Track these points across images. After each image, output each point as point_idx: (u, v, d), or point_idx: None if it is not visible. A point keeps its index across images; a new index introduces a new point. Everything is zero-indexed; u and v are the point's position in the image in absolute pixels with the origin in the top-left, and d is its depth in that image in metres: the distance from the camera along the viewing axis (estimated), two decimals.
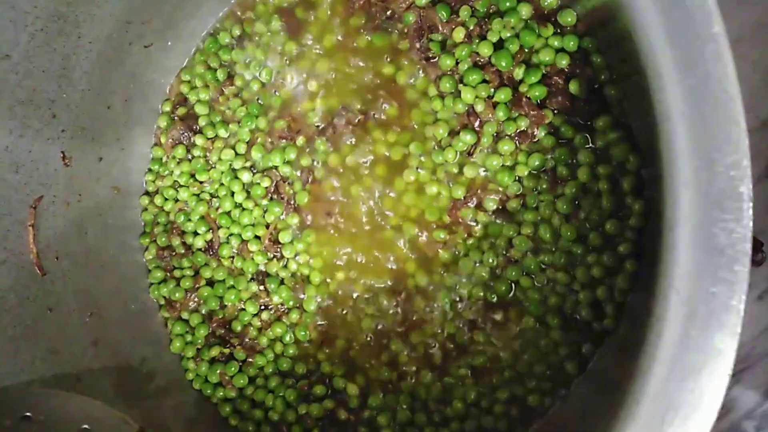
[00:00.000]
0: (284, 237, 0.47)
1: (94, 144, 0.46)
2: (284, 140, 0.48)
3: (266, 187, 0.48)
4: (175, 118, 0.50)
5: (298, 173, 0.48)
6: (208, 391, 0.48)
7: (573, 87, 0.38)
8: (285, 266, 0.48)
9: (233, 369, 0.47)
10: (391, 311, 0.45)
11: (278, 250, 0.48)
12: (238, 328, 0.48)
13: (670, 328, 0.23)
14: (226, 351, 0.47)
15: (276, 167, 0.48)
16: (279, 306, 0.48)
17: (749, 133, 0.47)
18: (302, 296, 0.47)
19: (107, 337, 0.45)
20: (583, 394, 0.33)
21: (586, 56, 0.39)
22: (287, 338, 0.47)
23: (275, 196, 0.48)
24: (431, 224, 0.44)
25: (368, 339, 0.46)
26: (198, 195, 0.49)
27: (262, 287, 0.48)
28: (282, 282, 0.48)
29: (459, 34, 0.42)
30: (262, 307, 0.48)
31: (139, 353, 0.47)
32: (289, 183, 0.48)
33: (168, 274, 0.49)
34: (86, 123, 0.45)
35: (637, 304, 0.29)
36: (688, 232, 0.22)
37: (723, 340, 0.22)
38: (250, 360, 0.47)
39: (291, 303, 0.47)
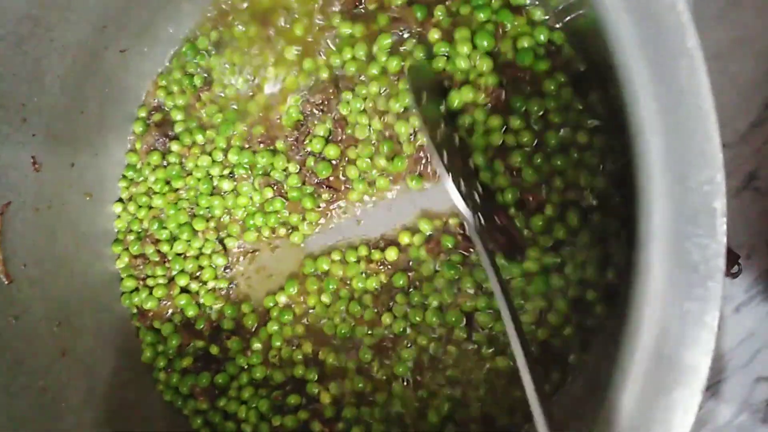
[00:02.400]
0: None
1: (66, 149, 0.45)
2: (263, 145, 0.47)
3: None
4: (151, 123, 0.49)
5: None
6: (179, 403, 0.46)
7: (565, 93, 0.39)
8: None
9: (204, 380, 0.46)
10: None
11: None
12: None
13: (642, 344, 0.22)
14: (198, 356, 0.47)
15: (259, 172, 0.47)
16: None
17: (728, 147, 0.48)
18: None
19: (77, 347, 0.44)
20: (555, 415, 0.33)
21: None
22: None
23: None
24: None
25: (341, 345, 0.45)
26: (175, 203, 0.48)
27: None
28: None
29: (434, 35, 0.42)
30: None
31: (109, 363, 0.46)
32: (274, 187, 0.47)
33: (141, 282, 0.48)
34: (58, 128, 0.44)
35: (610, 321, 0.29)
36: (661, 248, 0.22)
37: (696, 358, 0.22)
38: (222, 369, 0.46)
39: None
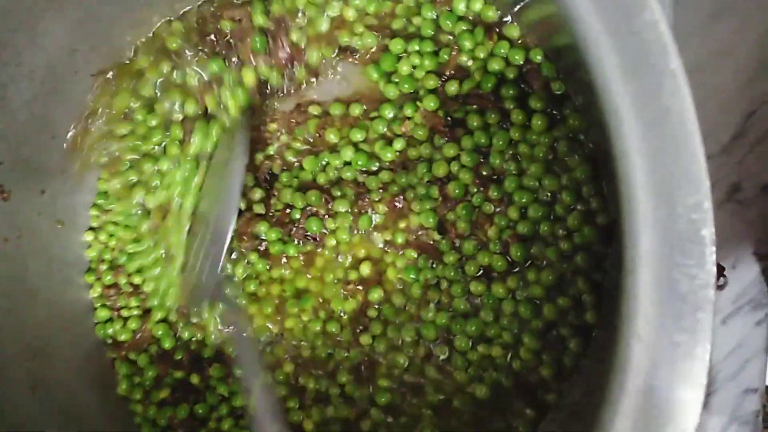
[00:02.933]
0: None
1: (36, 176, 0.44)
2: None
3: None
4: None
5: None
6: None
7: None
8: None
9: (183, 412, 0.44)
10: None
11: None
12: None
13: (633, 378, 0.22)
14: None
15: None
16: None
17: (710, 159, 0.48)
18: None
19: (50, 380, 0.43)
20: None
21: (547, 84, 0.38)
22: None
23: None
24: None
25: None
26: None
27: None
28: None
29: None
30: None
31: (84, 396, 0.45)
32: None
33: (115, 313, 0.47)
34: (27, 154, 0.42)
35: (597, 354, 0.28)
36: (649, 278, 0.21)
37: (687, 392, 0.21)
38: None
39: None
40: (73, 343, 0.46)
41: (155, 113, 0.45)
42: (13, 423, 0.39)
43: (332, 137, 0.44)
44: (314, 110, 0.44)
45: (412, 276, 0.42)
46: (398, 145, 0.42)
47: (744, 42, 0.49)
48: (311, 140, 0.44)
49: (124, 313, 0.47)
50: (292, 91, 0.45)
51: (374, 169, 0.43)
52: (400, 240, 0.42)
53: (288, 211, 0.44)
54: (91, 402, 0.45)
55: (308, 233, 0.44)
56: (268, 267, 0.45)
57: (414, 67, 0.42)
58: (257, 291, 0.45)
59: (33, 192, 0.44)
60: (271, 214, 0.44)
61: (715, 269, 0.20)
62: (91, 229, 0.48)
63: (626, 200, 0.22)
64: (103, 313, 0.47)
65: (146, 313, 0.47)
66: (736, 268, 0.50)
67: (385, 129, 0.43)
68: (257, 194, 0.44)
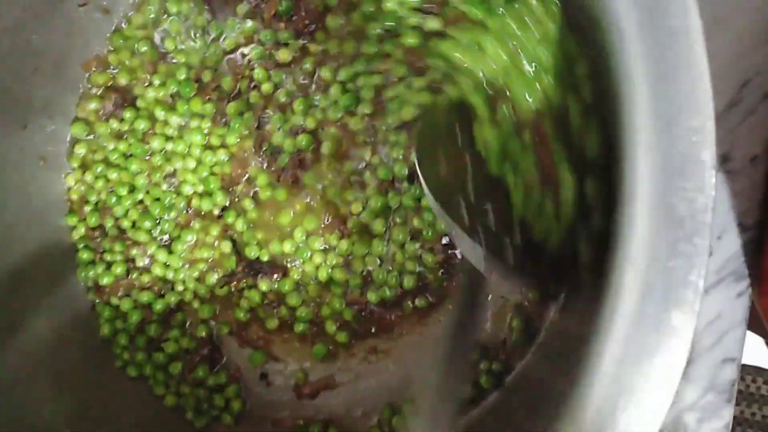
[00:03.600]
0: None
1: (17, 109, 0.43)
2: None
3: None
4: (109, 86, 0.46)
5: None
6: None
7: None
8: None
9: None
10: None
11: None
12: None
13: (624, 304, 0.21)
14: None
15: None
16: None
17: None
18: None
19: (28, 322, 0.42)
20: (531, 379, 0.32)
21: None
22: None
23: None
24: None
25: None
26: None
27: None
28: None
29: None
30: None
31: (63, 339, 0.44)
32: None
33: (98, 255, 0.46)
34: (9, 85, 0.41)
35: (589, 283, 0.28)
36: (646, 203, 0.21)
37: (680, 318, 0.21)
38: None
39: None
40: (54, 284, 0.45)
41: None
42: None
43: None
44: None
45: None
46: None
47: (739, 8, 0.49)
48: None
49: (107, 257, 0.45)
50: None
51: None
52: None
53: None
54: (71, 346, 0.44)
55: None
56: None
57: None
58: None
59: (14, 126, 0.43)
60: None
61: (714, 194, 0.20)
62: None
63: (626, 125, 0.22)
64: (85, 255, 0.45)
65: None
66: (721, 239, 0.50)
67: None
68: None
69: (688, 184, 0.20)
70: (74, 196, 0.46)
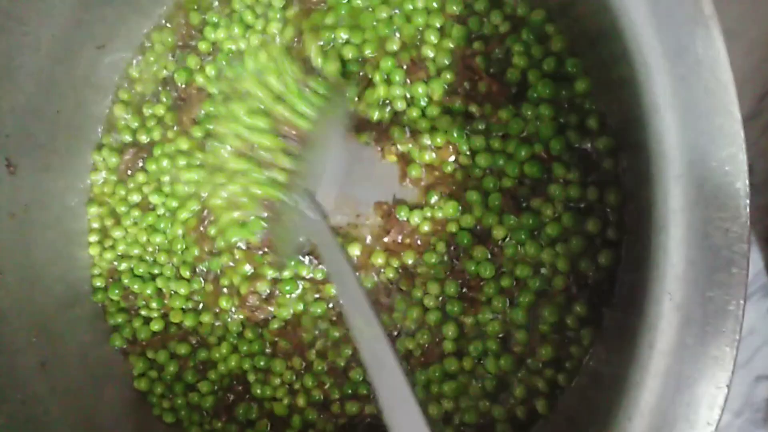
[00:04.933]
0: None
1: (42, 151, 0.43)
2: None
3: None
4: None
5: None
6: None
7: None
8: None
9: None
10: None
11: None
12: None
13: (663, 336, 0.21)
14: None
15: None
16: None
17: None
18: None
19: (57, 357, 0.42)
20: (570, 412, 0.31)
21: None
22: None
23: None
24: None
25: None
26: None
27: None
28: None
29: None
30: None
31: (90, 379, 0.44)
32: None
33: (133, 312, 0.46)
34: (33, 128, 0.42)
35: (624, 315, 0.27)
36: (681, 233, 0.21)
37: (720, 348, 0.20)
38: None
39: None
40: (78, 321, 0.45)
41: None
42: (18, 399, 0.39)
43: None
44: None
45: None
46: None
47: (755, 21, 0.48)
48: None
49: (143, 312, 0.46)
50: None
51: None
52: None
53: None
54: (99, 385, 0.44)
55: None
56: None
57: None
58: None
59: (39, 167, 0.43)
60: None
61: (749, 223, 0.20)
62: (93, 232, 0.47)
63: (656, 156, 0.21)
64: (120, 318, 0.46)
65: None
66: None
67: None
68: None
69: (723, 213, 0.20)
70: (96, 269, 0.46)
